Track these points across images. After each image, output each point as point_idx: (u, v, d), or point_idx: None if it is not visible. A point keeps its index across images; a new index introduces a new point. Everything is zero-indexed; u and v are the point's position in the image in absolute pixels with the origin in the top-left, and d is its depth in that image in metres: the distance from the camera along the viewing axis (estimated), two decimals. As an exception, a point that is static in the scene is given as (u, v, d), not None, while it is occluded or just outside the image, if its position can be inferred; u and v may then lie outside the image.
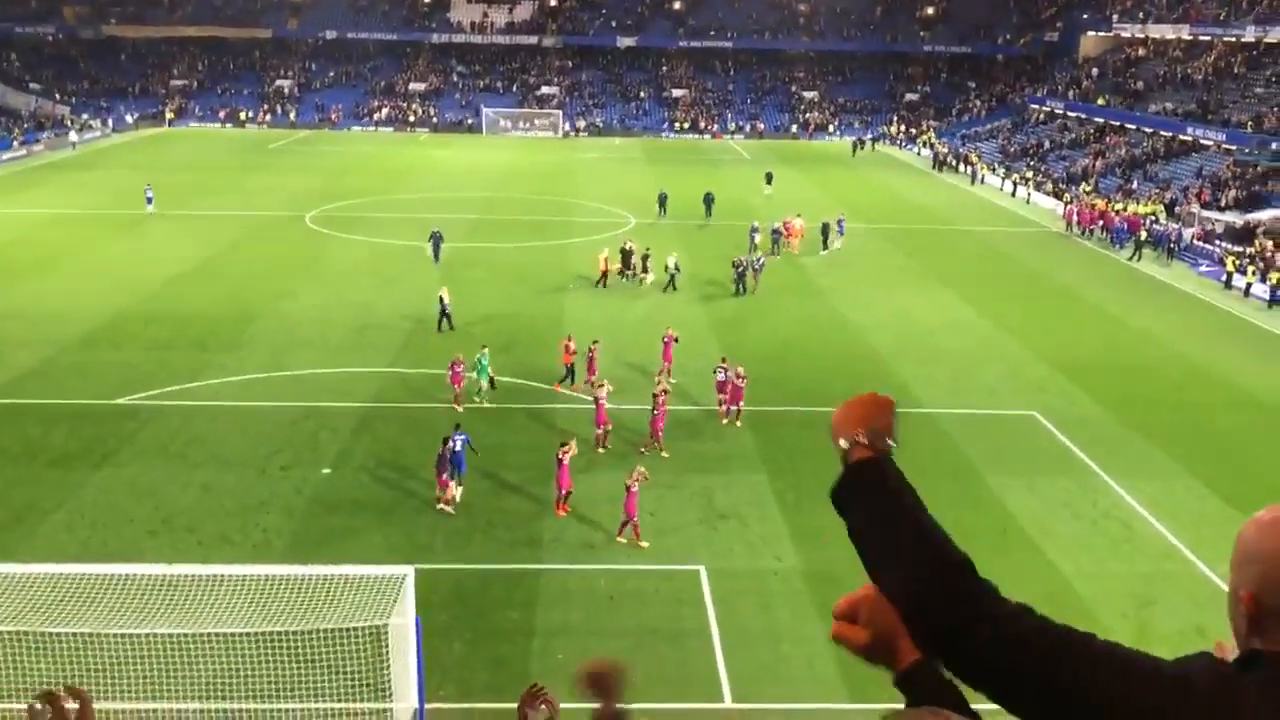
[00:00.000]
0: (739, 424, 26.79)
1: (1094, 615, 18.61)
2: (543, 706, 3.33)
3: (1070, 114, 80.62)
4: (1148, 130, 69.78)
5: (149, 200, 52.90)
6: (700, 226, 51.89)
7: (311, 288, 39.45)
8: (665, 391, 25.57)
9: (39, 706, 2.81)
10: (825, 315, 37.91)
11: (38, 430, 25.69)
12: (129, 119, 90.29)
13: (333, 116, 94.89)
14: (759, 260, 40.51)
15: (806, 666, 17.17)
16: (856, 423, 2.13)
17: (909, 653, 2.04)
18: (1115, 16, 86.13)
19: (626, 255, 41.61)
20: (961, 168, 76.30)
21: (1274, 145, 55.08)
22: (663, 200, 54.27)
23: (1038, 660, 1.87)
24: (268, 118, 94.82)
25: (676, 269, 40.18)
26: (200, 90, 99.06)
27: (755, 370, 28.38)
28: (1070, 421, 27.85)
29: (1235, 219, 51.29)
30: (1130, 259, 49.22)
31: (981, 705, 2.02)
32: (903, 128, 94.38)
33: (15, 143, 74.19)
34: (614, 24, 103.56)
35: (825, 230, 47.78)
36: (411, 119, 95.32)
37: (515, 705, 3.40)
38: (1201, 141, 63.37)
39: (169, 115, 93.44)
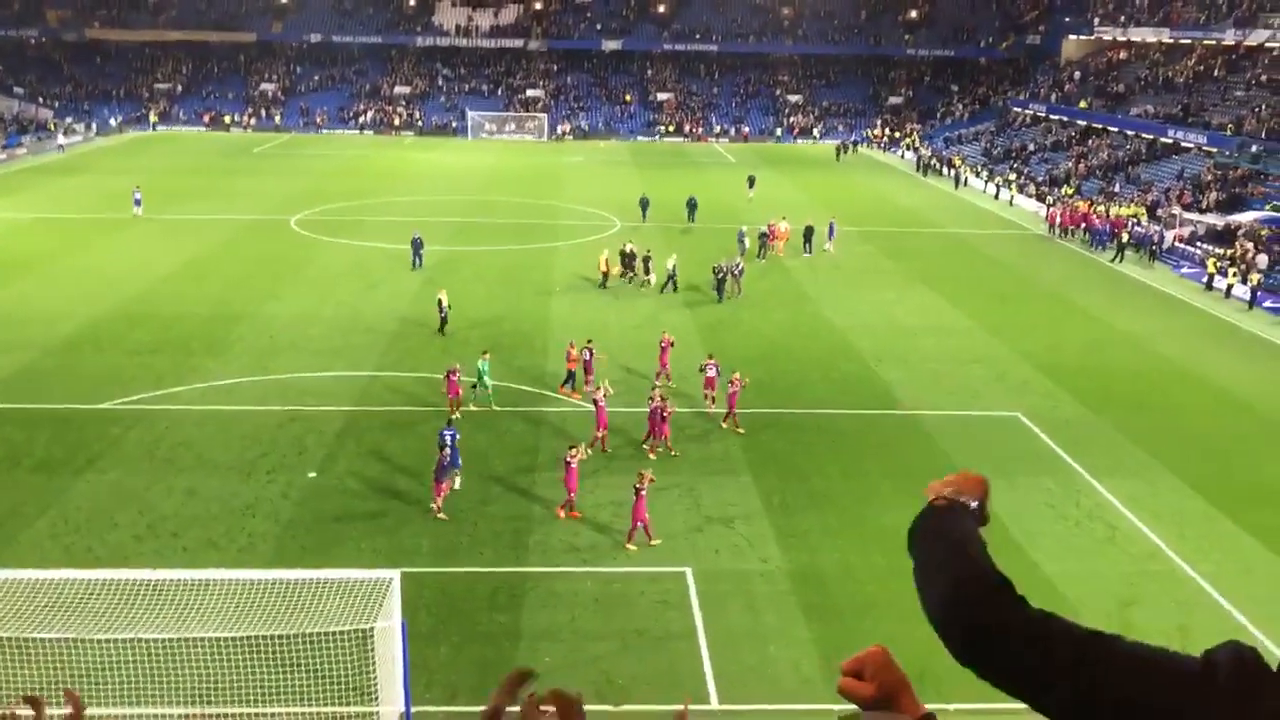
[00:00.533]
0: (740, 430, 26.82)
1: (1078, 615, 18.36)
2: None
3: (1053, 117, 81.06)
4: (1129, 133, 70.24)
5: (137, 202, 52.75)
6: (683, 230, 51.98)
7: (297, 291, 39.37)
8: (663, 398, 25.63)
9: (18, 713, 2.77)
10: (810, 318, 38.03)
11: (21, 435, 25.58)
12: (113, 122, 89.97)
13: (317, 120, 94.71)
14: (738, 266, 40.46)
15: (792, 668, 17.24)
16: (947, 485, 2.26)
17: (912, 708, 2.13)
18: (1097, 20, 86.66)
19: (628, 257, 41.91)
20: (945, 171, 76.62)
21: (1254, 148, 55.49)
22: (644, 204, 54.29)
23: (1065, 659, 1.94)
24: (252, 121, 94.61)
25: (676, 270, 40.44)
26: (184, 94, 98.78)
27: (741, 373, 28.41)
28: (1053, 422, 28.01)
29: (1216, 221, 51.65)
30: (1112, 261, 49.52)
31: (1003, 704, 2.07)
32: (886, 131, 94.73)
33: (-2, 146, 73.94)
34: (599, 27, 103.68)
35: (808, 233, 47.93)
36: (396, 122, 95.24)
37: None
38: (1183, 144, 63.80)
39: (153, 119, 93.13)
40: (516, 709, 2.39)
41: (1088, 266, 48.91)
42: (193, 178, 65.96)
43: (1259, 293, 41.96)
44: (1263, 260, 44.86)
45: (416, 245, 42.98)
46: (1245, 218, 51.04)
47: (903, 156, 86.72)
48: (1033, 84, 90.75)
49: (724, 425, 26.90)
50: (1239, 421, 29.07)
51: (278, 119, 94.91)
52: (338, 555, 19.91)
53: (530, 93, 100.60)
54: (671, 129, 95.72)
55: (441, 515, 21.82)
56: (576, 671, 16.92)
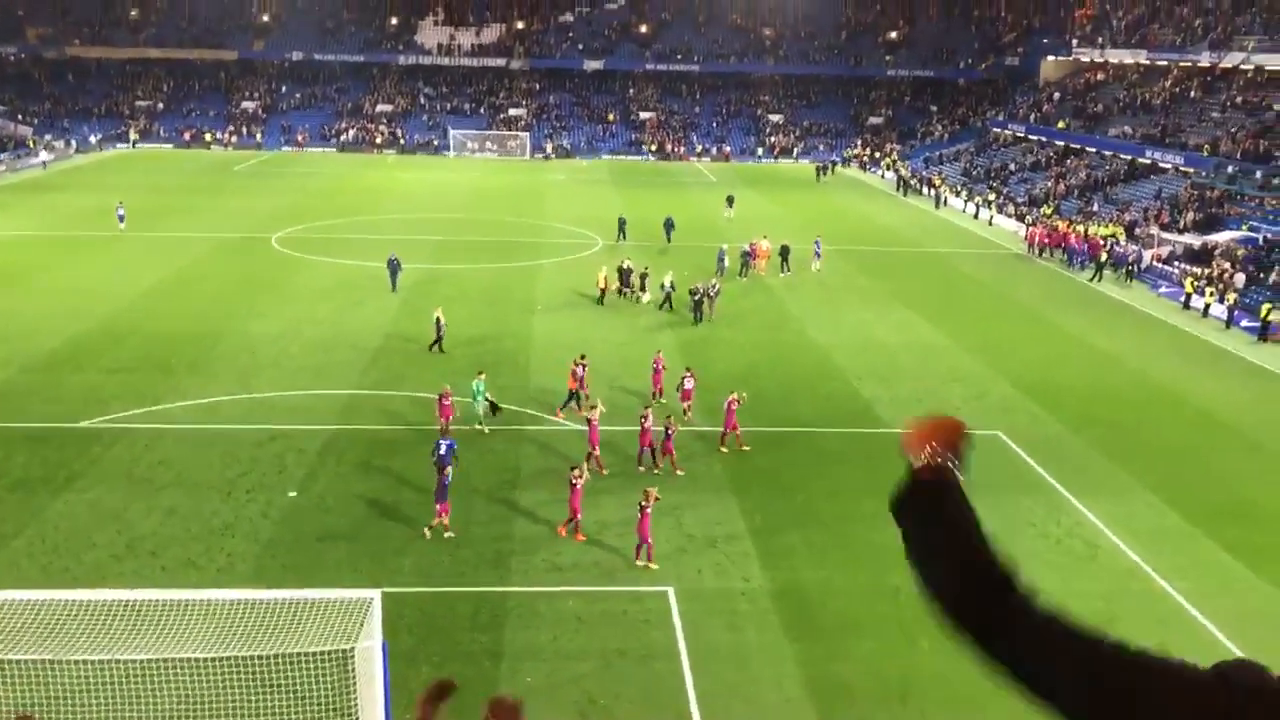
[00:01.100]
0: (746, 447, 26.81)
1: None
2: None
3: (1031, 137, 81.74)
4: (1107, 153, 70.86)
5: (120, 218, 52.57)
6: (660, 251, 51.90)
7: (278, 309, 39.25)
8: (669, 418, 25.77)
9: None
10: (791, 337, 38.13)
11: (-2, 454, 25.39)
12: (93, 140, 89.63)
13: (299, 138, 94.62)
14: (714, 288, 40.31)
15: (775, 687, 17.22)
16: (924, 439, 2.22)
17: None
18: (1075, 42, 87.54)
19: (625, 274, 42.16)
20: (925, 190, 77.07)
21: (1230, 168, 56.05)
22: (622, 224, 54.26)
23: (1073, 661, 1.96)
24: (233, 139, 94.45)
25: (672, 287, 40.57)
26: (165, 111, 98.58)
27: (721, 392, 28.46)
28: (1034, 441, 28.14)
29: (1193, 241, 52.13)
30: (1091, 280, 49.88)
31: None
32: (867, 151, 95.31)
33: (-23, 164, 73.55)
34: (581, 47, 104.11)
35: (784, 253, 48.06)
36: (378, 140, 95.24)
37: None
38: (1160, 164, 64.41)
39: (133, 136, 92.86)
40: None
41: (1066, 286, 49.25)
42: (173, 195, 65.76)
43: (1236, 312, 42.32)
44: (1240, 279, 45.27)
45: (393, 267, 42.37)
46: (1222, 237, 51.55)
47: (883, 176, 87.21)
48: (1011, 104, 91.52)
49: (722, 448, 26.74)
50: (1216, 439, 29.28)
51: (259, 137, 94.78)
52: (318, 575, 19.80)
53: (512, 111, 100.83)
54: (653, 148, 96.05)
55: (450, 534, 21.72)
56: (558, 691, 16.87)
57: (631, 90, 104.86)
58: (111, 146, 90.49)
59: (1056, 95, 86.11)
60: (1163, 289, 48.43)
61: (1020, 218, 63.70)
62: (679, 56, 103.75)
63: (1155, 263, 51.66)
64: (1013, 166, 78.18)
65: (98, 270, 44.87)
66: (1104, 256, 50.92)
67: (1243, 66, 67.06)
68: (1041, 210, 64.05)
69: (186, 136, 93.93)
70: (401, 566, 20.69)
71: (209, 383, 30.86)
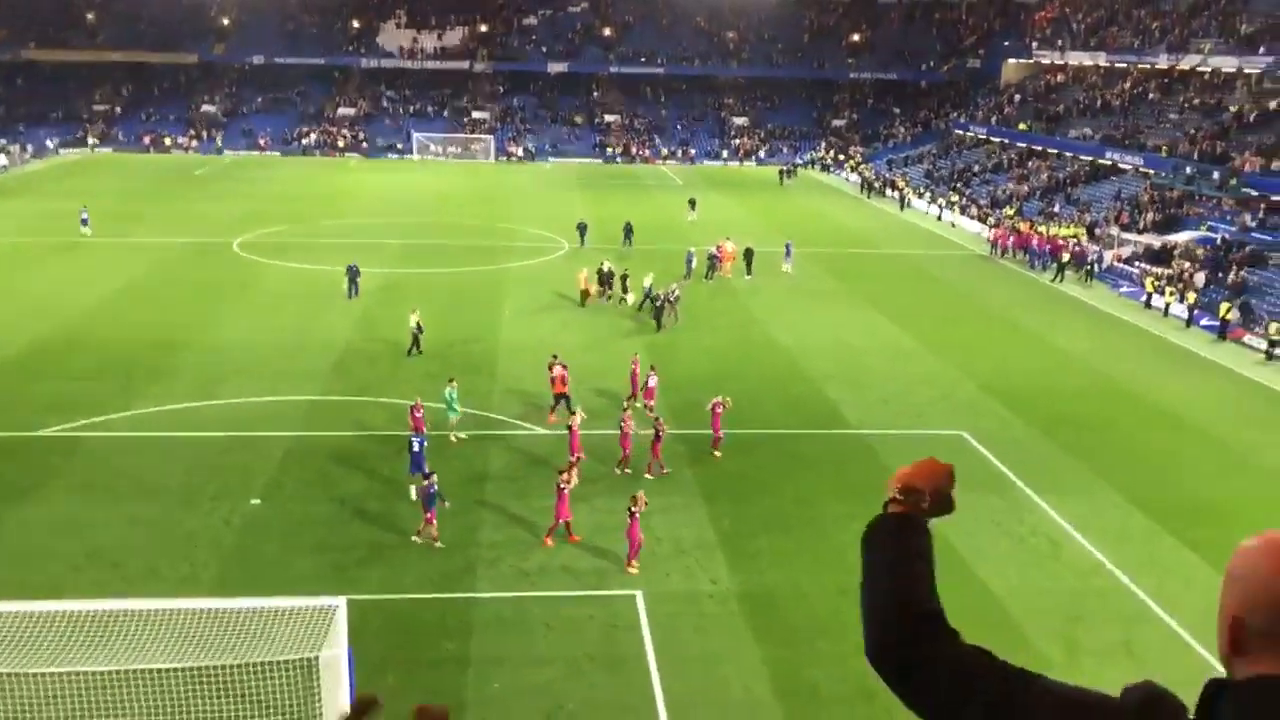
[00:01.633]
0: (717, 453, 26.82)
1: (1023, 632, 18.92)
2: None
3: (993, 139, 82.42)
4: (1068, 154, 71.58)
5: (84, 222, 51.96)
6: (620, 255, 51.34)
7: (240, 315, 38.89)
8: (657, 419, 25.90)
9: None
10: (758, 339, 38.21)
11: (-45, 464, 24.97)
12: (49, 144, 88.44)
13: (260, 142, 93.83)
14: (674, 293, 39.73)
15: (743, 690, 17.23)
16: (910, 478, 2.30)
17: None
18: (1035, 44, 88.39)
19: (605, 276, 42.10)
20: (889, 192, 77.54)
21: (1188, 169, 56.75)
22: (583, 229, 53.99)
23: (986, 698, 1.97)
24: (194, 143, 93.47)
25: (652, 289, 40.55)
26: (124, 115, 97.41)
27: (689, 394, 28.53)
28: (998, 441, 28.35)
29: (1154, 241, 52.75)
30: (1053, 280, 50.36)
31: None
32: (830, 153, 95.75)
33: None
34: (545, 50, 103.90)
35: (748, 255, 48.10)
36: (341, 144, 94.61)
37: None
38: (1120, 165, 65.13)
39: (92, 141, 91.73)
40: None
41: (1029, 286, 49.68)
42: (133, 200, 64.97)
43: (1195, 311, 42.85)
44: (1200, 279, 45.83)
45: (352, 274, 41.82)
46: (1181, 237, 52.20)
47: (847, 178, 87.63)
48: (973, 106, 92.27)
49: (717, 454, 26.73)
50: (1178, 438, 29.62)
51: (220, 141, 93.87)
52: (282, 583, 19.58)
53: (477, 114, 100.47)
54: (619, 151, 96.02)
55: (439, 545, 21.50)
56: (526, 698, 16.80)
57: (596, 93, 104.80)
58: (69, 151, 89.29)
59: (1017, 97, 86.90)
60: (1123, 289, 48.96)
61: (983, 219, 64.20)
62: (643, 59, 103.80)
63: (1116, 263, 52.23)
64: (975, 168, 78.79)
65: (57, 276, 44.27)
66: (1065, 257, 51.44)
67: (1199, 69, 67.96)
68: (1004, 211, 64.60)
69: (146, 141, 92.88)
70: (367, 574, 20.53)
71: (171, 389, 30.50)
